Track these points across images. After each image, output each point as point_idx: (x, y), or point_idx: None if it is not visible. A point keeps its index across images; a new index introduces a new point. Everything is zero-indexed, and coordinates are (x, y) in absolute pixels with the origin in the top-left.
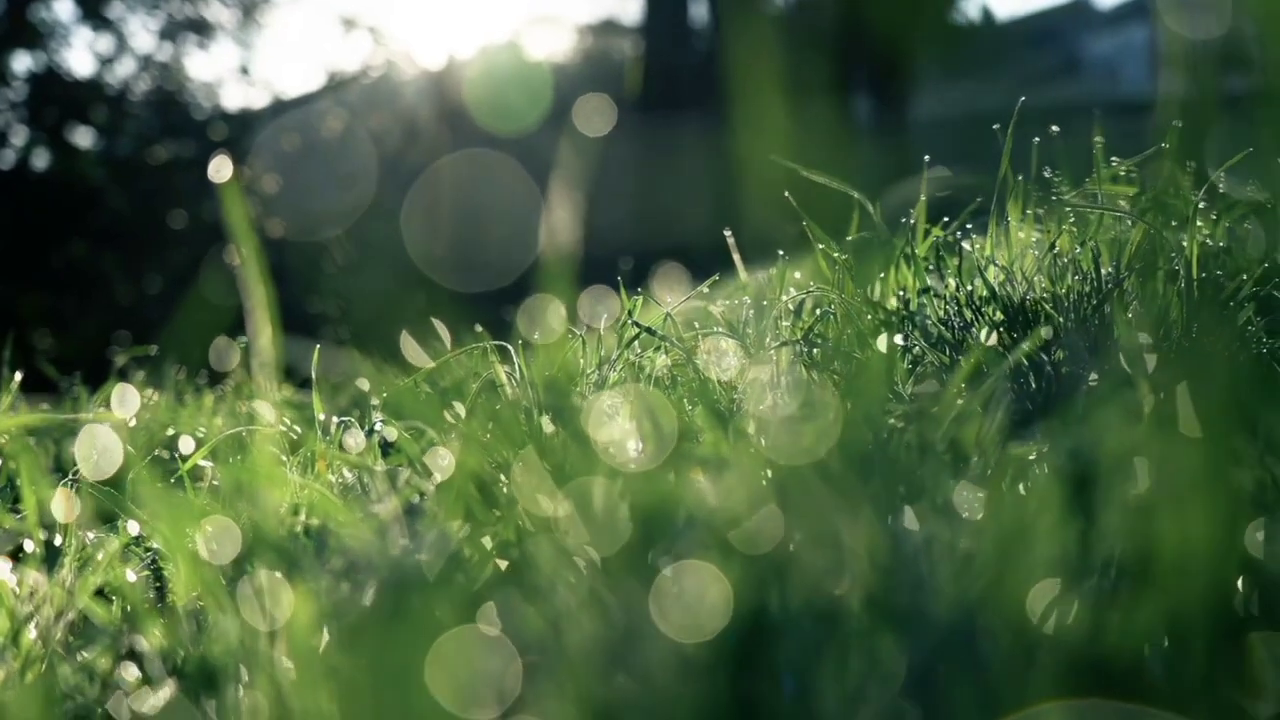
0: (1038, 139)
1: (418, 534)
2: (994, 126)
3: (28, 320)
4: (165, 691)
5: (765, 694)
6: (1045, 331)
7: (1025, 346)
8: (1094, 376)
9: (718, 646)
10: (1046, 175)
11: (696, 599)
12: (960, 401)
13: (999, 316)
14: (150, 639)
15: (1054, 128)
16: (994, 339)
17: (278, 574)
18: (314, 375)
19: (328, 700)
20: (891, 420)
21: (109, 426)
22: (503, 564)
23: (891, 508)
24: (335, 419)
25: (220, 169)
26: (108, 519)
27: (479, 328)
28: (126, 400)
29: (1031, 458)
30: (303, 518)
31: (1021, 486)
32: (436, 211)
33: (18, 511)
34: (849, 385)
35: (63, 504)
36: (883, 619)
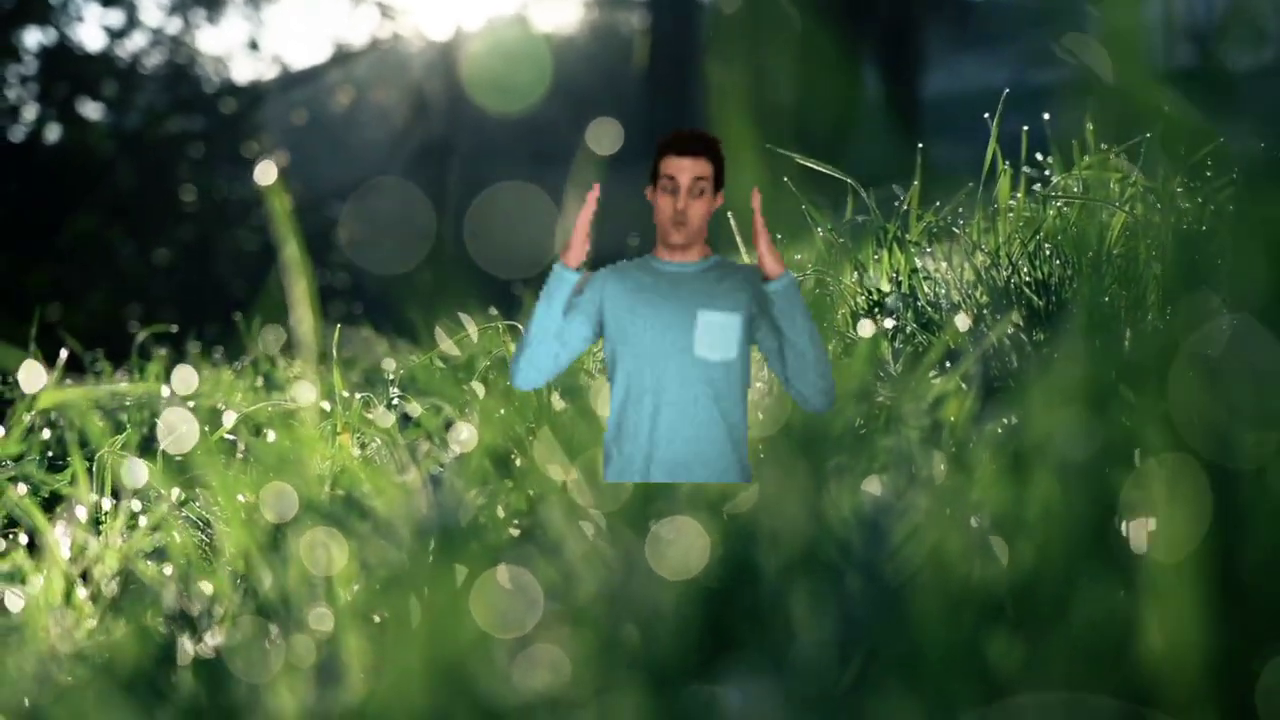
0: (1026, 128)
1: (441, 500)
2: (985, 116)
3: (37, 291)
4: (222, 636)
5: (740, 628)
6: (1016, 316)
7: (1000, 329)
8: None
9: (701, 586)
10: (1038, 159)
11: (685, 550)
12: (940, 381)
13: (984, 299)
14: (202, 594)
15: (1045, 115)
16: (980, 321)
17: (326, 533)
18: (334, 351)
19: (371, 640)
20: (879, 398)
21: (183, 409)
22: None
23: (863, 476)
24: (356, 395)
25: (266, 173)
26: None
27: (493, 309)
28: (186, 380)
29: (991, 432)
30: (328, 486)
31: (976, 458)
32: (443, 186)
33: (59, 475)
34: (838, 366)
35: (126, 473)
36: (840, 568)
